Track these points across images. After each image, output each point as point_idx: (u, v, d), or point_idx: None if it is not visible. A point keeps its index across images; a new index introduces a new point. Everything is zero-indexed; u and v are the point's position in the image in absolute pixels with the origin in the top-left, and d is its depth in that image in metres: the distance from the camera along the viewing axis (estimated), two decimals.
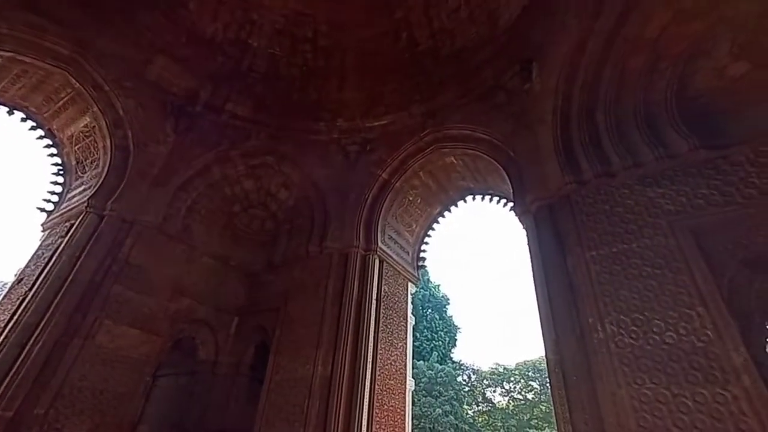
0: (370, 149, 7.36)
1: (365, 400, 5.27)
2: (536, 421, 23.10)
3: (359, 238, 6.55)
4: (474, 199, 7.34)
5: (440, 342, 25.98)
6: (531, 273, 4.66)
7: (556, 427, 3.74)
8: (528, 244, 4.90)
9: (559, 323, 4.03)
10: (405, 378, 6.30)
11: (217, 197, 7.38)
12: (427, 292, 27.80)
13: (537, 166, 5.11)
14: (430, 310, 27.15)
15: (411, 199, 7.42)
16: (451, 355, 26.62)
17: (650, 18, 4.38)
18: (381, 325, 6.11)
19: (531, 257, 4.74)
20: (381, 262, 6.68)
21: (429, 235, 7.81)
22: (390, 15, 7.55)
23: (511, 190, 5.44)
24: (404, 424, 5.91)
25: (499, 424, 23.24)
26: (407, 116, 7.18)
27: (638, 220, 4.04)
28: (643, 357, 3.39)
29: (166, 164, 6.61)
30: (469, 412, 23.36)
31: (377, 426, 5.40)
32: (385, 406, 5.70)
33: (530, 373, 24.49)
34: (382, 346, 6.02)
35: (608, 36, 4.67)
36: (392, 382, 6.00)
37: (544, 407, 21.96)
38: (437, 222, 7.79)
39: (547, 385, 3.93)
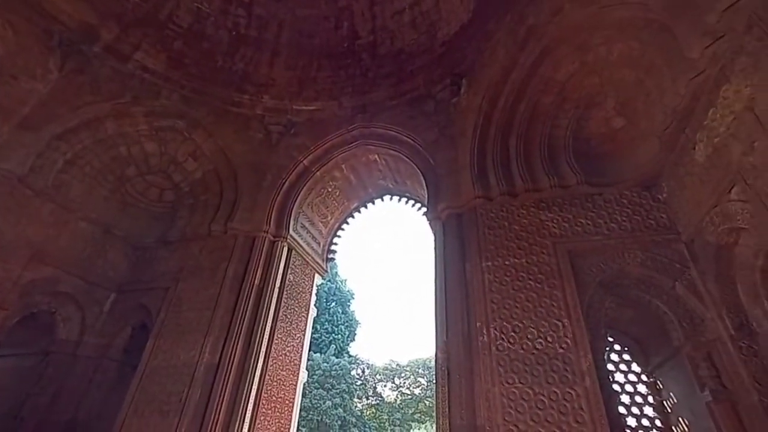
0: (294, 133, 7.08)
1: (253, 390, 5.04)
2: (419, 414, 24.66)
3: (270, 222, 6.25)
4: (391, 199, 7.52)
5: (340, 335, 26.18)
6: (434, 276, 4.94)
7: (435, 421, 4.01)
8: (434, 248, 5.18)
9: (452, 325, 4.33)
10: (299, 370, 6.19)
11: (107, 156, 6.38)
12: (334, 285, 27.80)
13: (453, 177, 5.43)
14: (334, 304, 27.19)
15: (330, 190, 7.32)
16: (349, 349, 27.01)
17: (561, 63, 4.96)
18: (281, 314, 5.91)
19: (435, 261, 5.02)
20: (290, 250, 6.47)
21: (343, 229, 7.79)
22: (335, 1, 7.36)
23: (427, 196, 5.70)
24: (291, 415, 5.80)
25: (385, 417, 24.28)
26: (337, 106, 7.07)
27: (530, 238, 4.55)
28: (516, 360, 3.81)
29: (42, 105, 5.50)
30: (359, 405, 23.97)
31: (262, 418, 5.21)
32: (274, 398, 5.52)
33: (420, 370, 26.04)
34: (279, 336, 5.83)
35: (528, 71, 5.16)
36: (284, 373, 5.85)
37: (428, 402, 23.56)
38: (352, 216, 7.81)
39: (434, 381, 4.19)
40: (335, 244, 7.75)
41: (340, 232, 7.79)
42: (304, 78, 7.40)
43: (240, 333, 5.27)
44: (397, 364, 27.24)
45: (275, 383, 5.59)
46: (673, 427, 4.10)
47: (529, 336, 3.90)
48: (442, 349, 4.26)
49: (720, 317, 3.48)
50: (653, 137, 4.28)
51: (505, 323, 4.05)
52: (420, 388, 25.68)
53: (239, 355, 5.15)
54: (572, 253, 4.27)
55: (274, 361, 5.63)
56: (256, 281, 5.75)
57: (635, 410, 4.31)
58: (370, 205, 7.74)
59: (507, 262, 4.46)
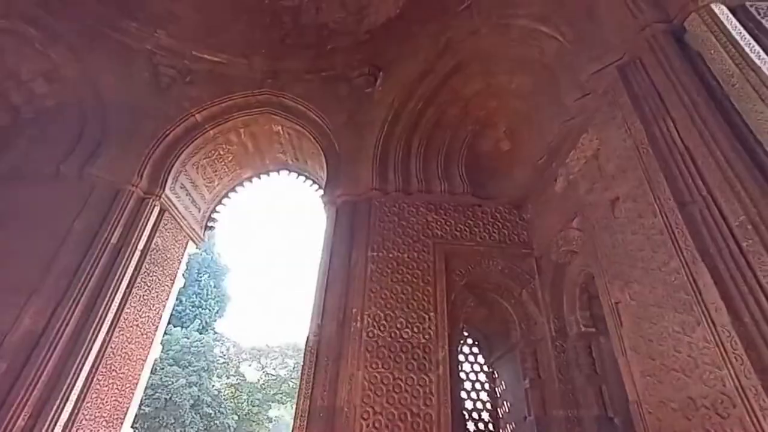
0: (189, 81, 6.24)
1: (86, 365, 4.33)
2: (281, 395, 24.48)
3: (142, 176, 5.42)
4: (289, 174, 7.23)
5: (207, 311, 24.32)
6: (320, 260, 4.91)
7: (296, 402, 4.01)
8: (324, 232, 5.15)
9: (329, 309, 4.37)
10: (151, 343, 5.53)
11: None
12: (209, 257, 25.67)
13: (354, 165, 5.46)
14: (206, 276, 25.11)
15: (221, 153, 6.68)
16: (215, 326, 25.31)
17: (470, 81, 5.40)
18: (139, 280, 5.19)
19: (323, 245, 4.99)
20: (162, 211, 5.72)
21: (229, 197, 7.20)
22: None
23: (325, 179, 5.63)
24: (133, 393, 5.16)
25: (245, 397, 23.47)
26: (246, 66, 6.46)
27: (415, 235, 4.85)
28: (383, 346, 4.04)
29: None
30: (217, 384, 22.65)
31: (95, 395, 4.52)
32: (115, 373, 4.84)
33: (290, 352, 25.82)
34: (134, 305, 5.13)
35: (441, 80, 5.48)
36: (133, 346, 5.17)
37: (292, 383, 23.51)
38: (243, 186, 7.27)
39: (302, 363, 4.18)
40: (218, 212, 7.12)
41: (225, 200, 7.18)
42: (213, 25, 6.56)
43: (80, 298, 4.47)
44: (267, 345, 26.55)
45: (119, 357, 4.90)
46: (499, 409, 4.87)
47: (398, 325, 4.17)
48: (315, 332, 4.27)
49: (548, 321, 4.25)
50: (529, 164, 4.96)
51: (379, 312, 4.26)
52: (286, 369, 25.48)
53: (75, 323, 4.37)
54: (448, 255, 4.70)
55: (122, 332, 4.93)
56: (112, 240, 4.93)
57: (474, 395, 4.99)
58: (264, 177, 7.30)
59: (391, 255, 4.68)
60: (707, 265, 2.36)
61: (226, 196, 7.19)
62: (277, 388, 24.73)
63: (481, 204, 5.19)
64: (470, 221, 5.02)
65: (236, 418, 22.16)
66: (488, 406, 4.91)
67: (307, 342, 4.27)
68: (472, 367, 5.18)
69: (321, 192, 5.75)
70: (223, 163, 6.82)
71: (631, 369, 2.89)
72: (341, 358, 4.00)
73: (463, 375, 5.02)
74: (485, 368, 5.20)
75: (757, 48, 2.61)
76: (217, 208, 7.12)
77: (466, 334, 5.31)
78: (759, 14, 2.79)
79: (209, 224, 7.02)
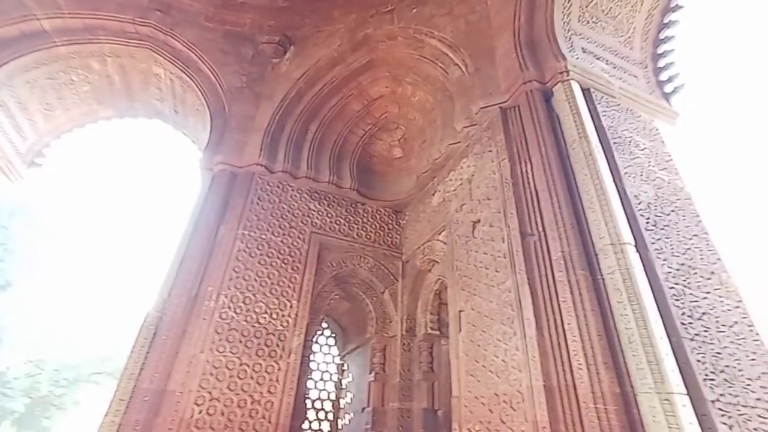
0: None
1: None
2: (100, 376, 21.02)
3: None
4: (164, 125, 6.28)
5: (11, 266, 19.40)
6: (184, 228, 4.35)
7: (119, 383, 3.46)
8: (196, 199, 4.61)
9: (180, 284, 3.92)
10: None
11: None
12: (31, 202, 20.57)
13: (242, 135, 5.05)
14: (19, 224, 20.03)
15: (75, 80, 5.44)
16: (21, 286, 20.34)
17: (378, 82, 5.53)
18: None
19: (192, 213, 4.46)
20: None
21: (74, 134, 5.90)
22: None
23: (207, 142, 5.06)
24: None
25: (46, 376, 19.42)
26: None
27: (294, 221, 4.71)
28: (236, 330, 3.80)
29: None
30: (7, 359, 18.18)
31: None
32: None
33: (119, 326, 22.32)
34: None
35: (352, 73, 5.47)
36: None
37: (117, 362, 20.37)
38: (97, 124, 6.04)
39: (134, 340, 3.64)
40: (52, 147, 5.75)
41: (68, 137, 5.85)
42: None
43: None
44: (89, 315, 22.49)
45: None
46: (341, 400, 5.06)
47: (257, 309, 3.97)
48: (158, 307, 3.77)
49: (402, 321, 4.60)
50: (415, 175, 5.31)
51: (238, 293, 4.00)
52: (114, 346, 22.00)
53: None
54: (323, 246, 4.70)
55: None
56: None
57: (321, 385, 5.07)
58: (129, 119, 6.20)
59: (263, 236, 4.45)
60: (530, 287, 2.86)
61: (70, 131, 5.86)
62: (95, 368, 21.12)
63: (365, 203, 5.34)
64: (351, 217, 5.12)
65: (28, 401, 18.15)
66: (332, 396, 5.05)
67: (146, 317, 3.74)
68: (324, 357, 5.27)
69: (199, 154, 5.15)
70: (74, 92, 5.55)
71: (459, 369, 3.31)
72: (184, 337, 3.62)
73: (314, 365, 5.06)
74: (337, 360, 5.34)
75: (592, 125, 3.29)
76: (53, 143, 5.75)
77: (325, 325, 5.38)
78: (596, 99, 3.52)
79: (36, 160, 5.62)
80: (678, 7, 4.30)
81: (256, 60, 5.72)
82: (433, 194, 4.74)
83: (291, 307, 4.13)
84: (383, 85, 5.60)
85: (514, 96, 3.83)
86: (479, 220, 3.70)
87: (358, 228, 5.09)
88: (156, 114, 6.20)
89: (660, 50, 4.37)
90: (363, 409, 4.39)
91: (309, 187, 5.07)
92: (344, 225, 5.02)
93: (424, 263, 4.63)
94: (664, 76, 4.32)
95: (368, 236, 5.10)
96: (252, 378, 3.60)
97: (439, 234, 4.37)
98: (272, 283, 4.19)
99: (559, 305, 2.67)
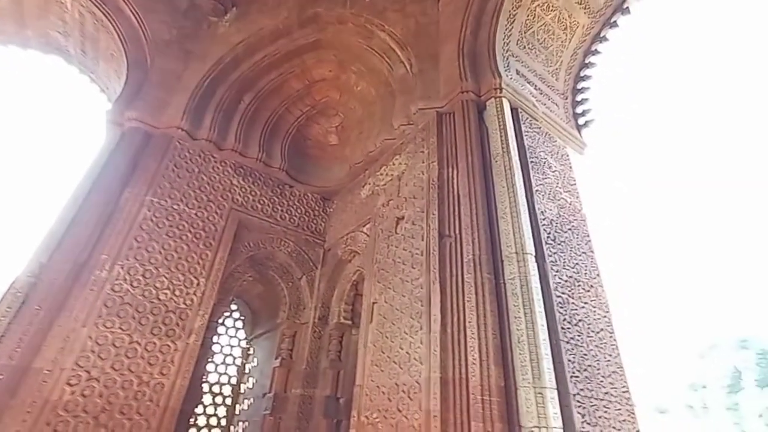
0: None
1: None
2: None
3: None
4: (67, 65, 5.42)
5: None
6: (79, 184, 3.79)
7: None
8: (97, 155, 4.05)
9: (66, 247, 3.43)
10: None
11: None
12: None
13: (164, 92, 4.57)
14: None
15: None
16: None
17: (323, 64, 5.38)
18: None
19: (90, 170, 3.90)
20: None
21: None
22: None
23: (119, 93, 4.48)
24: None
25: None
26: None
27: (212, 194, 4.40)
28: (129, 304, 3.44)
29: None
30: None
31: None
32: None
33: None
34: None
35: (296, 49, 5.23)
36: None
37: None
38: None
39: None
40: None
41: None
42: None
43: None
44: None
45: None
46: (242, 385, 4.87)
47: (157, 284, 3.64)
48: (33, 272, 3.26)
49: (315, 308, 4.56)
50: (347, 164, 5.27)
51: (138, 265, 3.62)
52: None
53: None
54: (242, 224, 4.46)
55: None
56: None
57: (222, 369, 4.82)
58: (15, 49, 5.23)
59: (175, 207, 4.09)
60: (441, 285, 3.02)
61: None
62: None
63: (293, 185, 5.18)
64: (276, 198, 4.93)
65: None
66: (233, 381, 4.83)
67: (13, 282, 3.21)
68: (229, 340, 5.01)
69: (108, 106, 4.54)
70: None
71: (366, 358, 3.38)
72: (63, 309, 3.18)
73: (217, 347, 4.80)
74: (243, 344, 5.12)
75: (515, 142, 3.57)
76: None
77: (234, 307, 5.12)
78: (522, 119, 3.83)
79: None
80: (597, 52, 4.84)
81: (190, 14, 5.19)
82: (363, 186, 4.76)
83: (198, 285, 3.86)
84: (328, 68, 5.46)
85: (451, 103, 3.99)
86: (403, 217, 3.81)
87: (282, 210, 4.92)
88: (56, 50, 5.32)
89: (579, 86, 4.87)
90: (264, 394, 4.28)
91: (234, 161, 4.78)
92: (268, 205, 4.82)
93: (345, 253, 4.63)
94: (579, 110, 4.84)
95: (292, 220, 4.96)
96: (143, 358, 3.30)
97: (364, 226, 4.41)
98: (179, 258, 3.88)
99: (464, 304, 2.86)
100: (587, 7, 4.59)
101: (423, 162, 3.89)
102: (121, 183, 3.88)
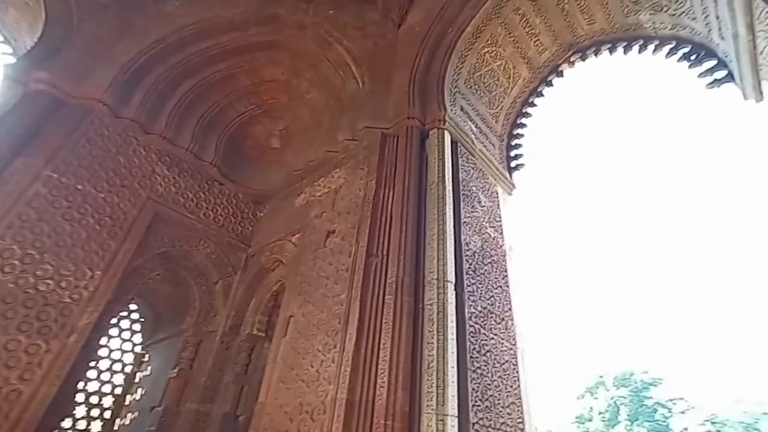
0: None
1: None
2: None
3: None
4: None
5: None
6: None
7: None
8: None
9: None
10: None
11: None
12: None
13: (90, 58, 4.11)
14: None
15: None
16: None
17: (276, 65, 5.23)
18: None
19: None
20: None
21: None
22: None
23: (28, 48, 3.94)
24: None
25: None
26: None
27: (128, 179, 3.98)
28: None
29: None
30: None
31: None
32: None
33: None
34: None
35: (249, 44, 5.03)
36: None
37: None
38: None
39: None
40: None
41: None
42: None
43: None
44: None
45: None
46: (128, 396, 4.31)
47: (38, 272, 3.14)
48: None
49: (228, 317, 4.24)
50: (287, 171, 5.10)
51: (17, 248, 3.11)
52: None
53: None
54: (158, 217, 4.07)
55: None
56: None
57: (107, 376, 4.23)
58: None
59: (80, 187, 3.62)
60: (361, 305, 2.97)
61: None
62: None
63: (223, 183, 4.88)
64: (203, 194, 4.60)
65: None
66: (118, 391, 4.26)
67: None
68: (122, 344, 4.45)
69: (11, 59, 3.96)
70: None
71: (273, 374, 3.19)
72: None
73: (105, 351, 4.23)
74: (138, 349, 4.57)
75: (450, 174, 3.72)
76: None
77: (134, 306, 4.59)
78: (460, 153, 4.03)
79: None
80: (533, 104, 5.29)
81: None
82: (299, 195, 4.63)
83: (91, 277, 3.40)
84: (280, 70, 5.32)
85: (397, 126, 4.07)
86: (334, 231, 3.74)
87: (207, 207, 4.59)
88: None
89: (515, 131, 5.27)
90: (153, 408, 3.82)
91: (161, 148, 4.39)
92: (192, 200, 4.46)
93: (269, 261, 4.41)
94: (512, 153, 5.21)
95: (216, 219, 4.63)
96: None
97: (293, 235, 4.25)
98: (73, 245, 3.40)
99: (381, 326, 2.83)
100: (529, 63, 5.02)
101: (361, 179, 3.88)
102: (13, 149, 3.35)
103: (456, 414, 2.42)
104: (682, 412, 25.87)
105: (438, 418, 2.35)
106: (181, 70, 4.74)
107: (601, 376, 29.55)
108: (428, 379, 2.55)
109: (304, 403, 2.78)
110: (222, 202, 4.76)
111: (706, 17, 3.18)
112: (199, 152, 4.71)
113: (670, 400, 26.89)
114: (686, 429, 24.92)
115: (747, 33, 2.52)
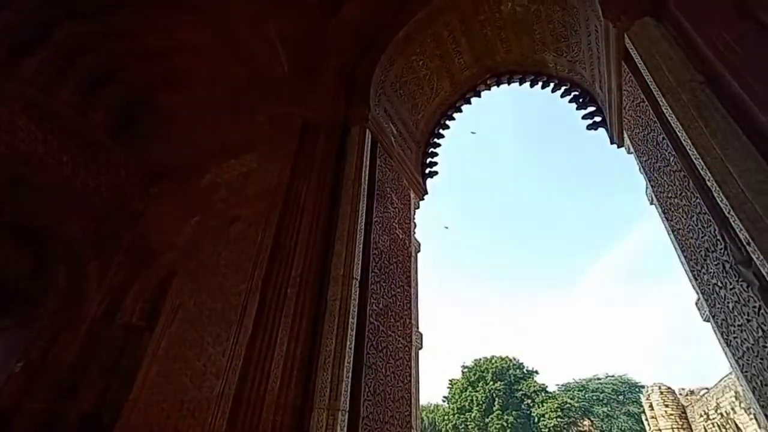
0: None
1: None
2: None
3: None
4: None
5: None
6: None
7: None
8: None
9: None
10: None
11: None
12: None
13: None
14: None
15: None
16: None
17: (197, 30, 4.67)
18: None
19: None
20: None
21: None
22: None
23: None
24: None
25: None
26: None
27: None
28: None
29: None
30: None
31: None
32: None
33: None
34: None
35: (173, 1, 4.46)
36: None
37: None
38: None
39: None
40: None
41: None
42: None
43: None
44: None
45: None
46: None
47: None
48: None
49: (102, 302, 3.70)
50: (191, 146, 4.63)
51: None
52: None
53: None
54: (10, 179, 3.37)
55: None
56: None
57: None
58: None
59: None
60: (261, 296, 2.85)
61: None
62: None
63: (112, 149, 4.25)
64: (82, 159, 3.94)
65: None
66: None
67: None
68: None
69: None
70: None
71: (152, 368, 2.88)
72: None
73: None
74: None
75: (367, 172, 3.77)
76: None
77: None
78: (379, 153, 4.10)
79: None
80: (452, 118, 5.64)
81: None
82: (205, 174, 4.25)
83: None
84: (201, 37, 4.79)
85: (320, 117, 3.99)
86: (240, 218, 3.52)
87: (87, 176, 3.95)
88: None
89: (432, 140, 5.55)
90: None
91: (30, 97, 3.65)
92: (68, 164, 3.80)
93: (161, 243, 3.97)
94: (428, 160, 5.48)
95: (99, 190, 4.02)
96: None
97: (192, 217, 3.89)
98: None
99: (280, 319, 2.75)
100: (453, 78, 5.33)
101: (276, 166, 3.72)
102: None
103: (347, 409, 2.46)
104: (542, 402, 30.15)
105: (329, 413, 2.36)
106: (77, 15, 4.00)
107: (483, 371, 32.92)
108: (323, 374, 2.55)
109: (186, 399, 2.56)
110: (108, 171, 4.15)
111: (592, 70, 3.74)
112: (85, 109, 4.03)
113: (534, 391, 31.12)
114: (543, 416, 29.10)
115: (617, 91, 3.03)
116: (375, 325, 3.09)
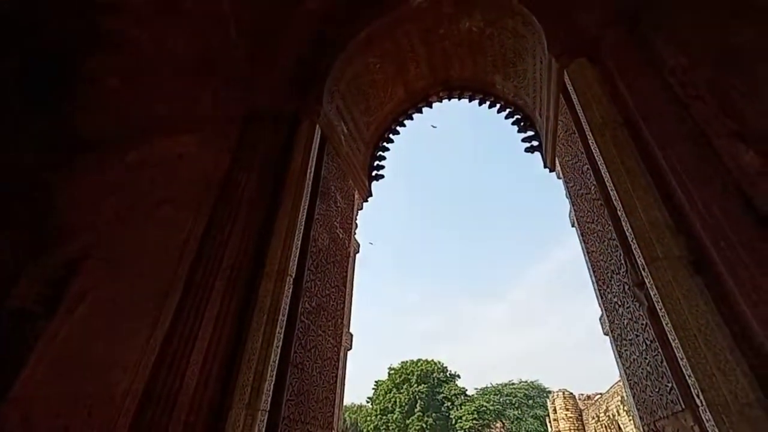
0: None
1: None
2: None
3: None
4: None
5: None
6: None
7: None
8: None
9: None
10: None
11: None
12: None
13: None
14: None
15: None
16: None
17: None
18: None
19: None
20: None
21: None
22: None
23: None
24: None
25: None
26: None
27: None
28: None
29: None
30: None
31: None
32: None
33: None
34: None
35: None
36: None
37: None
38: None
39: None
40: None
41: None
42: None
43: None
44: None
45: None
46: None
47: None
48: None
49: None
50: (120, 117, 4.22)
51: None
52: None
53: None
54: None
55: None
56: None
57: None
58: None
59: None
60: (185, 287, 2.66)
61: None
62: None
63: (27, 112, 3.72)
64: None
65: None
66: None
67: None
68: None
69: None
70: None
71: (44, 360, 2.56)
72: None
73: None
74: None
75: (312, 168, 3.70)
76: None
77: None
78: (327, 150, 4.05)
79: None
80: (403, 125, 5.75)
81: None
82: (132, 151, 3.89)
83: None
84: (149, 1, 4.39)
85: (269, 105, 3.85)
86: (169, 200, 3.27)
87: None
88: None
89: (381, 144, 5.61)
90: None
91: None
92: None
93: (77, 221, 3.53)
94: (375, 163, 5.53)
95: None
96: None
97: (114, 195, 3.54)
98: None
99: (203, 313, 2.59)
100: (407, 86, 5.44)
101: (216, 151, 3.52)
102: None
103: (268, 409, 2.38)
104: (461, 405, 31.71)
105: (248, 413, 2.27)
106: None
107: (408, 373, 33.80)
108: (246, 373, 2.44)
109: (84, 395, 2.31)
110: (16, 137, 3.62)
111: (534, 97, 4.04)
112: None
113: (455, 394, 32.62)
114: (461, 418, 30.61)
115: (554, 120, 3.30)
116: (306, 323, 3.03)
